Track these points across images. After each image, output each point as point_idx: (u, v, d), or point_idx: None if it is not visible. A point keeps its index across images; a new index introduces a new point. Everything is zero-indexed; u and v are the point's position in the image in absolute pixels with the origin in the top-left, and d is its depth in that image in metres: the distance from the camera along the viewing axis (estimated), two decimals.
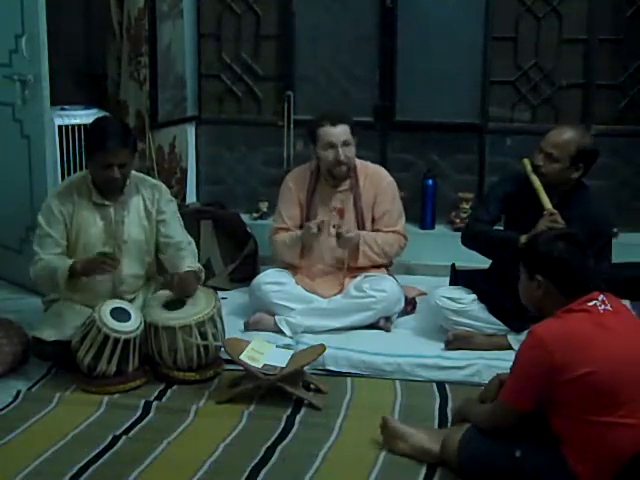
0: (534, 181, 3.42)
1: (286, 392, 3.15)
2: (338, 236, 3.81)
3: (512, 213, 3.63)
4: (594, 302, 2.51)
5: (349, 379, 3.41)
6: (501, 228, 3.71)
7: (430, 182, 4.83)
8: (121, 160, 3.35)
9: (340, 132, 3.83)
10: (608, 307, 2.51)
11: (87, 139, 3.51)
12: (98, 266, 3.31)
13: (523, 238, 3.38)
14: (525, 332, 3.47)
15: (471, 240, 3.64)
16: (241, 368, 3.23)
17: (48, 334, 3.34)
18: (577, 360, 2.40)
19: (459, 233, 3.92)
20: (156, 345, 3.33)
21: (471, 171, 4.92)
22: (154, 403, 3.15)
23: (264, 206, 4.97)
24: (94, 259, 3.32)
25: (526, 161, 3.49)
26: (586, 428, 2.42)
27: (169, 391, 3.29)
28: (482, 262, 3.73)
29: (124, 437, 2.90)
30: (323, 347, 3.32)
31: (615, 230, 4.43)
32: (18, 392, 3.23)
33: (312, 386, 3.28)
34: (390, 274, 3.99)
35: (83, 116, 4.21)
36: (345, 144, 3.83)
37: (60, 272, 3.34)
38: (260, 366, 3.17)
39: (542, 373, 2.43)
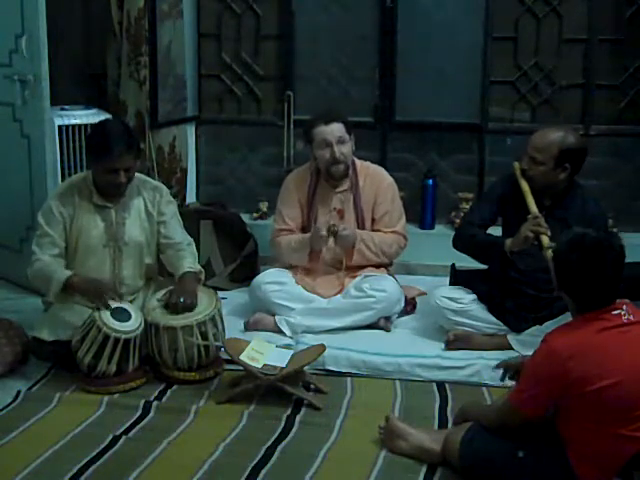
0: (522, 185, 3.44)
1: (286, 392, 3.15)
2: (334, 234, 3.81)
3: (508, 214, 3.62)
4: (618, 311, 2.42)
5: (349, 379, 3.41)
6: (497, 231, 3.71)
7: (430, 182, 4.83)
8: (126, 165, 3.34)
9: (334, 130, 3.83)
10: (631, 317, 2.42)
11: (91, 143, 3.45)
12: (96, 292, 3.30)
13: (508, 242, 3.39)
14: (525, 332, 3.52)
15: (460, 244, 3.65)
16: (241, 368, 3.23)
17: (48, 334, 3.35)
18: (596, 373, 2.34)
19: None
20: (157, 345, 3.33)
21: (471, 171, 4.92)
22: (154, 403, 3.15)
23: (264, 206, 4.97)
24: (96, 284, 3.32)
25: (516, 165, 3.50)
26: (596, 436, 2.39)
27: (169, 391, 3.29)
28: None
29: (124, 437, 2.90)
30: (323, 347, 3.32)
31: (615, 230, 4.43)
32: (18, 392, 3.23)
33: (312, 386, 3.28)
34: (390, 274, 3.99)
35: (83, 116, 4.21)
36: (340, 141, 3.83)
37: (55, 281, 3.34)
38: (260, 366, 3.16)
39: (555, 385, 2.39)
